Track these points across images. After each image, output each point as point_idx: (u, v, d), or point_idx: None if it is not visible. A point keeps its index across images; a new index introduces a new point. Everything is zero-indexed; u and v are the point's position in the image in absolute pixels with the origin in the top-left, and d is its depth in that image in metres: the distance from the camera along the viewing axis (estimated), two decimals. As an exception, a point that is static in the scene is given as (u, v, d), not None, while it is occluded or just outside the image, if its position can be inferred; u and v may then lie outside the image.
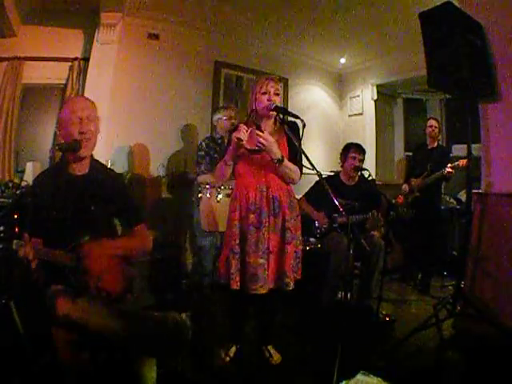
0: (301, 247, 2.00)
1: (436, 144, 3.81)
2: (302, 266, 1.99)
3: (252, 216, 1.88)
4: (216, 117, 3.26)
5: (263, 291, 1.83)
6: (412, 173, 3.86)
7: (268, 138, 1.79)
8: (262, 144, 1.78)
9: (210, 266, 3.18)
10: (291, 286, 1.88)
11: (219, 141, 3.20)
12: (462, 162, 3.38)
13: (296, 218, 1.99)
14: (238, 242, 1.88)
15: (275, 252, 1.90)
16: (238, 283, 1.86)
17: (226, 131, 3.14)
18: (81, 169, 1.63)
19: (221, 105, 4.08)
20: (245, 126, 1.82)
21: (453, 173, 3.40)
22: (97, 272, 1.48)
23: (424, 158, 3.78)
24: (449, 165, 3.39)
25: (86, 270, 1.46)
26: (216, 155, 3.13)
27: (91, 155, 1.70)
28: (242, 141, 1.79)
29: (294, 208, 1.98)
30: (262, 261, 1.84)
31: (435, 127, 3.76)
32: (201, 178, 3.06)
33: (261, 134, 1.78)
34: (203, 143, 3.19)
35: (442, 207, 4.25)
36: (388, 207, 2.80)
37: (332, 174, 3.61)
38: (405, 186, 3.81)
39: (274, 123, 2.00)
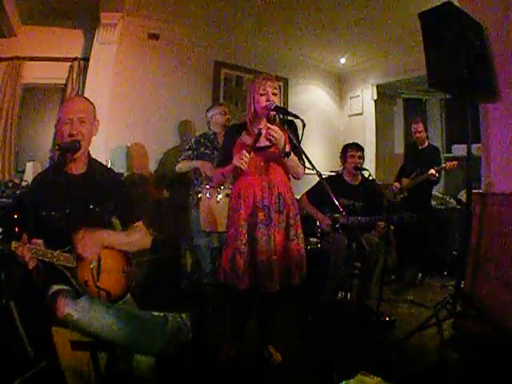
0: (303, 245, 2.00)
1: (426, 144, 3.78)
2: (305, 264, 1.99)
3: (261, 214, 1.88)
4: (210, 113, 3.30)
5: (277, 288, 1.85)
6: (403, 172, 3.85)
7: (278, 130, 1.80)
8: (274, 137, 1.79)
9: (209, 266, 3.18)
10: (297, 280, 1.91)
11: (211, 137, 3.24)
12: (450, 165, 3.36)
13: (296, 215, 2.00)
14: (244, 241, 1.87)
15: (280, 249, 1.90)
16: (247, 283, 1.85)
17: (220, 126, 3.21)
18: (79, 168, 1.63)
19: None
20: (247, 155, 1.79)
21: (437, 176, 3.37)
22: (90, 257, 1.48)
23: (414, 158, 3.76)
24: (431, 169, 3.36)
25: (80, 256, 1.46)
26: (207, 151, 3.18)
27: (89, 154, 1.70)
28: (242, 169, 1.81)
29: (295, 205, 2.00)
30: (274, 257, 1.85)
31: (420, 131, 3.72)
32: (177, 168, 3.20)
33: (272, 127, 1.81)
34: (193, 140, 3.26)
35: (442, 207, 4.25)
36: (389, 209, 2.80)
37: (333, 173, 3.61)
38: (396, 184, 3.78)
39: (272, 122, 2.00)
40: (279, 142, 1.81)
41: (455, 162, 3.38)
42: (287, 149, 1.84)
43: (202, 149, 3.18)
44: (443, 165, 3.40)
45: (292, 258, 1.91)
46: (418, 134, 3.73)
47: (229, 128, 2.07)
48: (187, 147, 3.22)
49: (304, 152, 1.85)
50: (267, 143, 1.88)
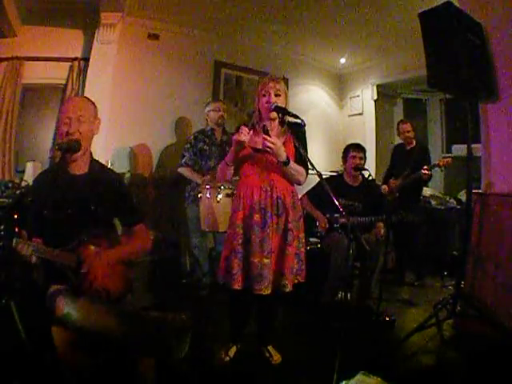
0: (304, 249, 1.99)
1: (414, 144, 3.78)
2: (306, 268, 1.98)
3: (257, 216, 1.87)
4: (206, 109, 3.32)
5: (267, 291, 1.82)
6: (390, 174, 3.84)
7: (275, 141, 1.80)
8: (270, 148, 1.79)
9: (207, 266, 3.19)
10: (288, 288, 1.86)
11: (209, 132, 3.26)
12: (443, 162, 3.35)
13: (298, 219, 1.98)
14: (240, 241, 1.87)
15: (275, 252, 1.89)
16: (241, 283, 1.85)
17: (214, 123, 3.24)
18: (80, 168, 1.63)
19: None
20: (246, 128, 1.82)
21: (429, 174, 3.35)
22: (97, 281, 1.50)
23: (403, 158, 3.75)
24: (425, 167, 3.34)
25: (87, 279, 1.47)
26: (206, 147, 3.20)
27: (91, 155, 1.70)
28: (243, 143, 1.80)
29: (297, 209, 1.98)
30: (267, 261, 1.84)
31: (408, 131, 3.73)
32: (180, 170, 3.20)
33: (268, 137, 1.79)
34: (192, 136, 3.27)
35: (442, 207, 4.25)
36: (388, 209, 2.81)
37: (334, 174, 3.61)
38: (384, 187, 3.76)
39: (280, 124, 2.00)
40: (277, 153, 1.81)
41: (449, 159, 3.38)
42: (285, 159, 1.83)
43: (201, 144, 3.20)
44: (436, 161, 3.39)
45: (287, 263, 1.88)
46: (406, 134, 3.74)
47: (238, 127, 2.07)
48: (187, 146, 3.22)
49: (308, 157, 1.84)
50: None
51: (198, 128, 3.66)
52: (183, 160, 3.19)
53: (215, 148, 3.20)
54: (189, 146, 3.21)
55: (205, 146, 3.19)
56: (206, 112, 3.31)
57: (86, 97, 1.75)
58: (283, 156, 1.82)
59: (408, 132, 3.74)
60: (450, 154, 4.86)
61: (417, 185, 3.62)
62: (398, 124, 3.89)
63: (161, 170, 3.92)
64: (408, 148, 3.79)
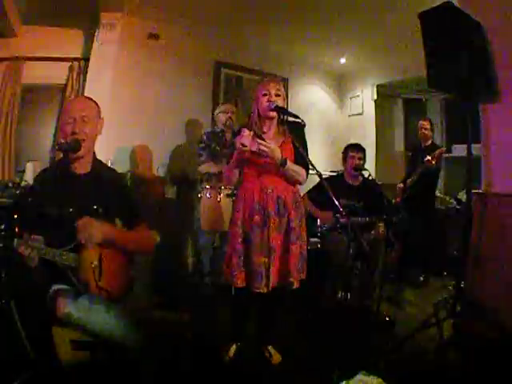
0: (305, 247, 2.02)
1: (429, 142, 3.79)
2: (306, 266, 2.00)
3: (256, 216, 1.90)
4: (215, 112, 3.42)
5: (266, 290, 1.86)
6: (408, 173, 3.85)
7: (269, 145, 1.82)
8: (265, 151, 1.81)
9: (209, 265, 3.19)
10: (295, 284, 1.90)
11: (220, 134, 3.30)
12: (437, 153, 3.36)
13: (301, 218, 2.00)
14: (240, 241, 1.91)
15: (279, 251, 1.91)
16: (241, 281, 1.89)
17: (222, 125, 3.30)
18: (83, 168, 1.64)
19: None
20: (247, 131, 1.82)
21: (432, 163, 3.33)
22: (90, 243, 1.47)
23: (418, 157, 3.73)
24: (428, 156, 3.34)
25: (81, 241, 1.45)
26: (217, 147, 3.23)
27: (93, 155, 1.70)
28: (246, 146, 1.80)
29: (299, 208, 2.00)
30: (265, 260, 1.86)
31: (426, 128, 3.74)
32: (201, 168, 3.23)
33: (261, 141, 1.81)
34: (204, 136, 3.31)
35: (442, 207, 4.24)
36: (389, 209, 2.80)
37: (334, 173, 3.61)
38: (400, 185, 3.79)
39: (278, 124, 2.01)
40: (272, 155, 1.83)
41: (443, 148, 3.43)
42: (282, 160, 1.84)
43: (213, 145, 3.24)
44: (434, 153, 3.39)
45: (292, 260, 1.90)
46: (423, 131, 3.75)
47: (238, 130, 2.08)
48: (202, 145, 3.25)
49: (308, 159, 1.84)
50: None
51: (197, 127, 3.69)
52: (202, 158, 3.22)
53: (226, 150, 3.22)
54: (204, 145, 3.24)
55: (217, 147, 3.23)
56: (216, 114, 3.38)
57: (89, 97, 1.75)
58: (279, 157, 1.84)
59: (425, 129, 3.74)
60: (450, 154, 4.86)
61: (429, 182, 3.60)
62: (418, 122, 3.90)
63: (161, 169, 3.92)
64: (423, 146, 3.79)
